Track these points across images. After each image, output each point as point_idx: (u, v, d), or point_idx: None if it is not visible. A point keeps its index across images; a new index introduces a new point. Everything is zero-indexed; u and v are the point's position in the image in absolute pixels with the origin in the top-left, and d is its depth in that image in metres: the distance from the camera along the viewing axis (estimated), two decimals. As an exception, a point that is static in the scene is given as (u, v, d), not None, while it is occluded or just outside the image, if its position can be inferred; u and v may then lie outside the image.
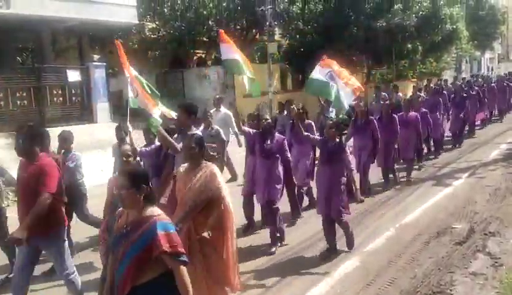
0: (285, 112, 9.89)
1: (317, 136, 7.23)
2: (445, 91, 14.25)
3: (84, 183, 6.52)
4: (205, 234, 4.18)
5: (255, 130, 6.73)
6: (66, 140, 6.35)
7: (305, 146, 7.41)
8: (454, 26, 23.58)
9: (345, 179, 5.94)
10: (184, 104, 5.80)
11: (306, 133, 6.59)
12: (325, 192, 5.95)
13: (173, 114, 5.85)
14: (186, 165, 4.45)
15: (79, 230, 6.71)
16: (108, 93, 14.61)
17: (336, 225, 6.05)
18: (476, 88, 16.17)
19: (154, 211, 3.02)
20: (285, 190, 6.80)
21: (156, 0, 19.95)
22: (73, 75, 13.78)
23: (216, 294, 4.26)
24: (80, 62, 14.83)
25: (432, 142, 12.09)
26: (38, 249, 4.59)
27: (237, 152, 10.11)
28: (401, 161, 10.00)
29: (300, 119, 7.72)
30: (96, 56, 15.03)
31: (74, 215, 6.42)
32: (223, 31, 6.90)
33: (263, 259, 6.01)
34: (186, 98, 19.61)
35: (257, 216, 7.06)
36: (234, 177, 9.84)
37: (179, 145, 5.02)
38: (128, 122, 6.02)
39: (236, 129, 9.18)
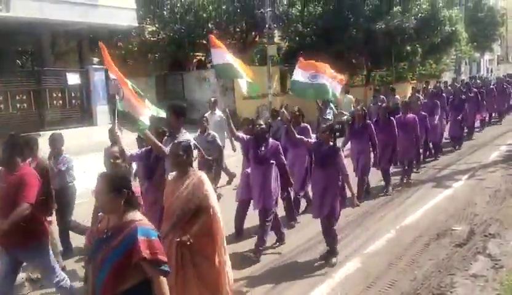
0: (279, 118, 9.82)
1: (312, 139, 7.05)
2: (444, 94, 14.22)
3: (75, 186, 6.45)
4: (184, 238, 4.06)
5: (248, 136, 6.56)
6: (57, 143, 6.29)
7: (300, 149, 7.24)
8: (453, 28, 23.62)
9: (340, 184, 5.81)
10: (173, 105, 5.67)
11: (299, 136, 6.48)
12: (319, 196, 5.88)
13: (162, 113, 5.73)
14: (174, 173, 4.36)
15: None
16: (107, 95, 14.61)
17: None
18: (475, 90, 16.16)
19: (136, 216, 2.93)
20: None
21: (155, 3, 20.01)
22: (73, 78, 13.80)
23: None
24: (80, 65, 14.87)
25: (431, 145, 12.07)
26: (18, 260, 4.50)
27: (230, 156, 10.04)
28: (399, 164, 9.81)
29: (295, 122, 7.71)
30: (95, 59, 15.02)
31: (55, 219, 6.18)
32: (213, 36, 6.76)
33: (262, 262, 5.98)
34: (186, 101, 19.63)
35: (254, 221, 6.79)
36: (231, 178, 9.80)
37: (167, 149, 4.93)
38: (116, 125, 5.83)
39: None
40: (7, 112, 12.41)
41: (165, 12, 20.30)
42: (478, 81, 22.65)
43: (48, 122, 12.95)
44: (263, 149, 6.15)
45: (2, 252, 4.49)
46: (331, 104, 12.94)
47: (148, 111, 5.58)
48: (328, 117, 12.21)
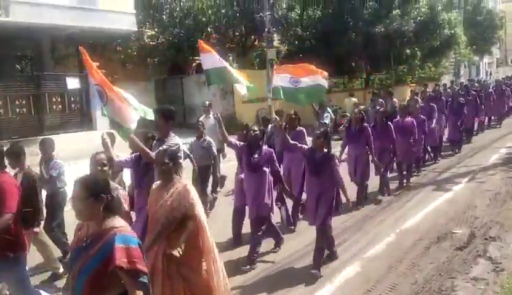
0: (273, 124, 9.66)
1: (308, 142, 6.96)
2: (443, 97, 14.17)
3: (66, 192, 6.28)
4: (175, 252, 3.96)
5: (242, 142, 6.37)
6: (47, 148, 6.18)
7: (295, 153, 6.99)
8: (452, 31, 23.69)
9: (334, 191, 5.69)
10: (162, 108, 5.50)
11: (293, 142, 6.28)
12: (313, 204, 5.74)
13: (150, 114, 5.53)
14: (158, 181, 4.26)
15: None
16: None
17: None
18: (473, 93, 16.15)
19: (116, 222, 2.78)
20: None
21: (154, 8, 20.04)
22: (72, 83, 13.80)
23: None
24: (80, 70, 14.86)
25: (429, 148, 12.02)
26: None
27: (227, 161, 9.93)
28: (396, 168, 9.75)
29: (291, 126, 7.64)
30: (95, 64, 15.02)
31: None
32: (202, 41, 6.49)
33: (259, 268, 5.91)
34: (185, 105, 19.66)
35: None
36: (222, 181, 9.66)
37: (154, 154, 4.83)
38: (103, 132, 5.62)
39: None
40: (6, 116, 12.40)
41: (164, 16, 20.34)
42: (476, 84, 22.65)
43: (47, 127, 12.94)
44: (256, 155, 5.96)
45: None
46: (328, 108, 12.93)
47: (135, 115, 5.33)
48: (326, 121, 12.12)
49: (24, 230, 4.52)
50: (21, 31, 12.53)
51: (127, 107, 5.29)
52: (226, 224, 6.83)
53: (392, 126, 9.01)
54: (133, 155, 5.61)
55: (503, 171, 10.62)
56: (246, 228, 6.69)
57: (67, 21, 12.91)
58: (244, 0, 20.77)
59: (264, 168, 5.96)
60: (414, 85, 25.35)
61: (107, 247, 2.65)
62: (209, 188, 8.42)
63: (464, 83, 23.74)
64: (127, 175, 6.58)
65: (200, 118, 9.30)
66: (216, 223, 7.57)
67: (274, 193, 6.29)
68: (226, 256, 6.11)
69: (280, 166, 7.35)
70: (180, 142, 5.25)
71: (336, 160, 5.83)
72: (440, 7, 23.14)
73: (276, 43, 22.42)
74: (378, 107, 11.25)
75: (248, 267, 5.86)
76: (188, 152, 6.90)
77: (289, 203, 7.27)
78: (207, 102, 9.97)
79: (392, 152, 9.02)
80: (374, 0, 21.33)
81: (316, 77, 7.00)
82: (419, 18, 21.75)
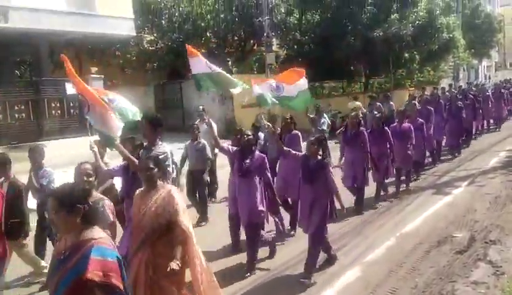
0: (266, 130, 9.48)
1: (303, 147, 6.82)
2: (441, 100, 14.14)
3: None
4: (174, 266, 3.82)
5: (234, 147, 6.25)
6: (37, 156, 6.09)
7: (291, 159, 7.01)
8: (451, 35, 23.73)
9: (328, 199, 5.57)
10: (149, 116, 5.42)
11: (286, 149, 6.14)
12: (307, 212, 5.60)
13: (138, 114, 5.45)
14: (142, 188, 4.15)
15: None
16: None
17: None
18: (471, 96, 16.14)
19: (95, 233, 2.66)
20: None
21: (153, 13, 20.09)
22: (71, 88, 13.75)
23: None
24: (79, 75, 14.88)
25: (427, 153, 11.95)
26: None
27: (224, 166, 9.88)
28: (394, 173, 9.48)
29: (286, 129, 7.58)
30: (94, 69, 15.06)
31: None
32: (189, 45, 6.32)
33: (257, 275, 5.85)
34: (184, 109, 19.66)
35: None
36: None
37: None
38: (90, 140, 5.55)
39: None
40: (5, 122, 12.40)
41: (163, 21, 20.38)
42: (473, 88, 22.68)
43: (46, 132, 12.94)
44: (248, 161, 5.83)
45: None
46: (324, 114, 12.85)
47: (119, 123, 5.20)
48: (323, 127, 11.99)
49: (11, 241, 4.44)
50: (20, 37, 12.56)
51: (111, 115, 5.18)
52: (225, 230, 6.78)
53: (389, 132, 8.94)
54: (121, 164, 5.48)
55: (503, 175, 10.61)
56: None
57: (66, 27, 12.94)
58: (243, 5, 20.84)
59: (256, 174, 5.83)
60: (413, 88, 25.40)
61: (84, 260, 2.55)
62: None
63: (462, 86, 23.79)
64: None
65: (196, 122, 9.30)
66: (215, 228, 7.57)
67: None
68: (222, 263, 6.13)
69: (275, 174, 7.32)
70: (168, 150, 5.16)
71: (330, 167, 5.73)
72: (438, 11, 23.17)
73: (274, 47, 22.49)
74: (375, 112, 11.13)
75: (248, 274, 5.81)
76: (176, 160, 6.78)
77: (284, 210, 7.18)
78: (201, 107, 9.94)
79: (390, 157, 8.94)
80: (372, 5, 21.38)
81: (296, 84, 6.75)
82: (417, 22, 21.79)
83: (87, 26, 13.33)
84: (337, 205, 5.76)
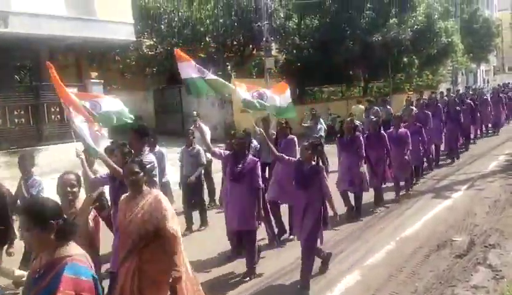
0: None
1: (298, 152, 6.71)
2: (439, 104, 14.14)
3: None
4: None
5: (227, 152, 6.22)
6: (26, 164, 6.01)
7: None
8: (449, 39, 23.82)
9: (322, 206, 5.44)
10: (135, 126, 5.35)
11: (279, 154, 6.07)
12: (300, 218, 5.51)
13: (126, 117, 5.41)
14: (127, 194, 4.05)
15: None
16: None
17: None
18: (468, 101, 16.13)
19: (71, 250, 2.51)
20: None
21: (153, 18, 20.13)
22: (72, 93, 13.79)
23: None
24: (78, 80, 14.88)
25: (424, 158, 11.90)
26: None
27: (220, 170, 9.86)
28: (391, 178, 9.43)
29: (282, 134, 7.55)
30: (94, 74, 15.08)
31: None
32: (179, 49, 6.19)
33: (253, 281, 5.81)
34: (183, 114, 19.68)
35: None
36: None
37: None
38: (76, 147, 5.40)
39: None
40: (5, 127, 12.39)
41: (162, 26, 20.41)
42: (470, 92, 22.70)
43: (46, 137, 12.92)
44: (240, 165, 5.76)
45: None
46: (321, 119, 12.83)
47: (99, 135, 5.17)
48: (321, 134, 11.96)
49: None
50: (20, 42, 12.57)
51: (93, 125, 5.18)
52: (225, 234, 6.76)
53: (386, 136, 8.93)
54: (108, 173, 5.39)
55: (502, 178, 10.63)
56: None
57: (66, 32, 12.95)
58: (242, 10, 20.89)
59: (248, 178, 5.76)
60: (412, 93, 25.47)
61: (56, 278, 2.40)
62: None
63: (460, 91, 23.82)
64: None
65: (191, 127, 9.30)
66: (215, 232, 7.56)
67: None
68: (219, 271, 6.13)
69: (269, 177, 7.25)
70: (154, 159, 5.14)
71: (325, 172, 5.67)
72: (436, 16, 23.25)
73: (274, 52, 22.54)
74: (371, 116, 11.08)
75: (247, 278, 5.80)
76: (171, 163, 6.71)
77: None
78: (195, 113, 9.95)
79: (387, 161, 8.92)
80: (371, 10, 21.44)
81: (280, 95, 6.61)
82: (416, 26, 21.86)
83: (87, 31, 13.34)
84: (330, 212, 5.63)
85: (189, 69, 5.83)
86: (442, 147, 13.24)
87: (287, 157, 6.02)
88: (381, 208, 8.78)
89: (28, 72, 16.10)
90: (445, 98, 17.09)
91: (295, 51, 22.56)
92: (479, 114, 16.48)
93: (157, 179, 5.05)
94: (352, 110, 17.44)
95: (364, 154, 8.27)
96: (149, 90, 21.33)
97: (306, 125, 10.35)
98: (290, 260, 6.25)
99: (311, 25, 22.23)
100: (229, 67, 21.18)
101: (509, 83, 31.52)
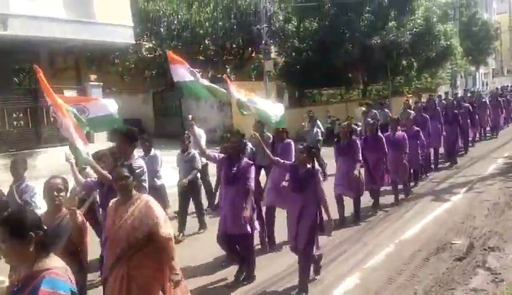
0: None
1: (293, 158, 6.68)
2: (438, 107, 14.12)
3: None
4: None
5: (222, 155, 6.12)
6: (19, 168, 5.92)
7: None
8: (448, 42, 23.86)
9: (318, 210, 5.37)
10: (123, 130, 5.27)
11: (275, 158, 6.01)
12: (294, 223, 5.43)
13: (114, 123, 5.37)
14: (115, 199, 3.95)
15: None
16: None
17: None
18: (466, 104, 16.13)
19: (51, 262, 2.42)
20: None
21: (152, 20, 20.16)
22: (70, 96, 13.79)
23: None
24: (78, 83, 14.88)
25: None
26: None
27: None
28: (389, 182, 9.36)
29: (279, 138, 7.49)
30: (93, 76, 15.08)
31: None
32: (171, 52, 6.17)
33: (250, 286, 5.77)
34: (183, 117, 19.68)
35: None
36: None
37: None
38: (66, 151, 5.31)
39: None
40: (3, 129, 12.38)
41: (162, 29, 20.44)
42: (469, 94, 22.71)
43: (45, 139, 12.91)
44: (235, 168, 5.70)
45: None
46: (318, 122, 12.83)
47: (84, 142, 5.11)
48: (319, 138, 11.92)
49: None
50: (19, 44, 12.57)
51: (80, 133, 5.13)
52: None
53: (384, 139, 8.91)
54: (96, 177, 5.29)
55: (501, 181, 10.63)
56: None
57: (65, 34, 12.95)
58: (241, 13, 20.93)
59: (243, 182, 5.68)
60: (410, 95, 25.51)
61: (34, 293, 2.32)
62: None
63: (458, 94, 23.84)
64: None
65: (186, 132, 9.26)
66: (213, 235, 7.51)
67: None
68: (215, 277, 6.08)
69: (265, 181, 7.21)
70: (144, 164, 5.08)
71: (320, 176, 5.64)
72: (435, 19, 23.31)
73: (273, 55, 22.60)
74: (369, 120, 11.04)
75: (245, 282, 5.78)
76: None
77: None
78: (190, 117, 9.89)
79: (385, 164, 8.87)
80: (370, 12, 21.49)
81: (272, 103, 6.62)
82: (415, 29, 21.90)
83: (87, 33, 13.34)
84: (324, 216, 5.54)
85: (181, 71, 5.78)
86: (441, 150, 13.24)
87: (282, 161, 5.98)
88: (380, 211, 8.77)
89: (27, 74, 16.10)
90: (444, 101, 17.10)
91: (294, 54, 22.60)
92: (477, 117, 16.47)
93: (146, 184, 4.97)
94: (355, 112, 17.44)
95: (361, 158, 8.20)
96: (148, 92, 21.35)
97: (306, 129, 10.34)
98: (283, 267, 6.17)
99: (310, 28, 22.27)
100: (228, 70, 21.22)
101: (508, 86, 31.56)
